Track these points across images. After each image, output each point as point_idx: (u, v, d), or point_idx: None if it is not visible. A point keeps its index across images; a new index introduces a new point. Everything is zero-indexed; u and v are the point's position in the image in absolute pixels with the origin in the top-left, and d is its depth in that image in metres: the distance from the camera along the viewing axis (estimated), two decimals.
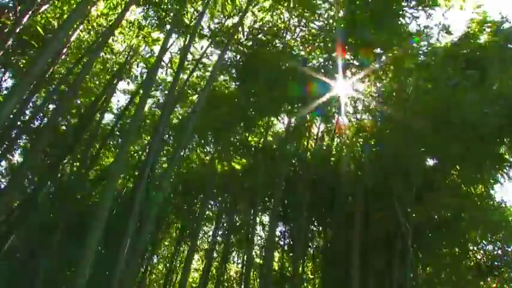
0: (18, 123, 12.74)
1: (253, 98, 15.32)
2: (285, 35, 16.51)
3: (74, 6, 13.21)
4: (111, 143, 17.95)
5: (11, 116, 11.22)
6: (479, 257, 15.11)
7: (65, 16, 13.41)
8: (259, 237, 21.26)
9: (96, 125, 15.79)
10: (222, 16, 15.81)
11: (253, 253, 19.69)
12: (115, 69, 15.87)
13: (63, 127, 16.16)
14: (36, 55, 10.33)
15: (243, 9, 14.61)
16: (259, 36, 16.39)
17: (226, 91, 17.08)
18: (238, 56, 16.05)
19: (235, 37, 14.84)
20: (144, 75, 16.37)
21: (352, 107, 15.37)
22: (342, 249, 15.90)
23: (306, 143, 18.09)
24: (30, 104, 13.22)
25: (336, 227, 17.63)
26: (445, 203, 13.31)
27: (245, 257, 19.99)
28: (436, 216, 14.44)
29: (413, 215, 12.97)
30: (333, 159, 17.84)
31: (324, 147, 18.49)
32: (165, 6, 14.20)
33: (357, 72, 13.67)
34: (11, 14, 11.31)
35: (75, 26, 11.86)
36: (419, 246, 14.56)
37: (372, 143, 14.66)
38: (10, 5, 11.59)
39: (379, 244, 14.55)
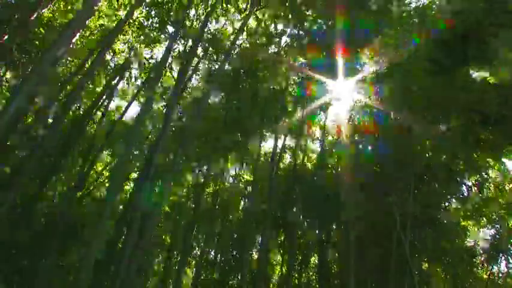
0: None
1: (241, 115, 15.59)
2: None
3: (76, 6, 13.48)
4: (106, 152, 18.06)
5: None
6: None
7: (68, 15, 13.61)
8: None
9: (94, 128, 15.91)
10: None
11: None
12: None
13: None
14: (42, 53, 10.42)
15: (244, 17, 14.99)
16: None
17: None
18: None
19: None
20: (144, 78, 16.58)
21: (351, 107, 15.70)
22: (338, 247, 16.15)
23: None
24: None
25: (332, 227, 17.83)
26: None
27: None
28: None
29: (411, 208, 13.19)
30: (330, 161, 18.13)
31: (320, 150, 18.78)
32: (167, 7, 14.42)
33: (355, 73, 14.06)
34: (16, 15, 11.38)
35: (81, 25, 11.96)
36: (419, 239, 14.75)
37: (371, 141, 14.89)
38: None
39: (376, 242, 14.70)
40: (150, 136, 18.14)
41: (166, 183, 13.66)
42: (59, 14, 13.34)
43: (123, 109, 17.24)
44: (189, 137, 13.51)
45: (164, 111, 16.10)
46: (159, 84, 17.22)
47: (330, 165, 17.40)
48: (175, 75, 16.78)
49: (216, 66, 16.84)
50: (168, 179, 13.43)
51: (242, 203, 20.91)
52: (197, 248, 20.33)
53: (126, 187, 18.40)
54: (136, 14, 14.62)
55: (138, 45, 15.81)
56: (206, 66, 17.57)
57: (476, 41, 12.10)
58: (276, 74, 16.19)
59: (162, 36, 16.24)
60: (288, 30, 17.12)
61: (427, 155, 14.03)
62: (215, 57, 16.99)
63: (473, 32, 12.20)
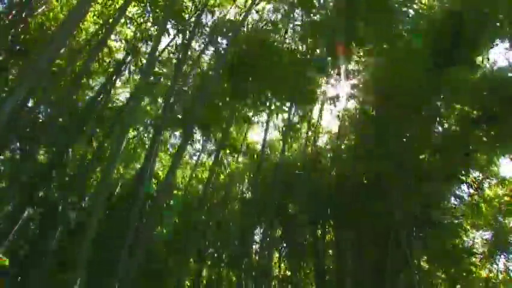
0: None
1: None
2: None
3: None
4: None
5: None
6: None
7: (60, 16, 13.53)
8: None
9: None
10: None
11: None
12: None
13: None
14: (40, 51, 10.33)
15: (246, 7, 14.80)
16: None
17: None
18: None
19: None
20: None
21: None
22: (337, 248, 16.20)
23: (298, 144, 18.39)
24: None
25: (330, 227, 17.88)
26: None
27: None
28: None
29: (409, 207, 13.21)
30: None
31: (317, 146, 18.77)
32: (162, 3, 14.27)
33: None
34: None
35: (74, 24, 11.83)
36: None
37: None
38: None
39: (374, 242, 14.70)
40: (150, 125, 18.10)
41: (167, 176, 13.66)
42: (52, 15, 13.24)
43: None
44: (190, 125, 13.44)
45: (163, 100, 15.99)
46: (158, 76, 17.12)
47: (327, 163, 17.34)
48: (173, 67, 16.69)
49: (216, 58, 16.75)
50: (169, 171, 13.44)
51: (243, 194, 20.95)
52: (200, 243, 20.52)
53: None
54: (133, 10, 14.49)
55: (134, 41, 15.65)
56: (206, 58, 17.48)
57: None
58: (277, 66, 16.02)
59: (158, 30, 16.03)
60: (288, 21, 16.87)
61: (424, 154, 14.10)
62: (215, 48, 16.85)
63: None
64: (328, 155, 17.58)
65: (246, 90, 15.56)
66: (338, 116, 16.45)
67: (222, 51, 15.26)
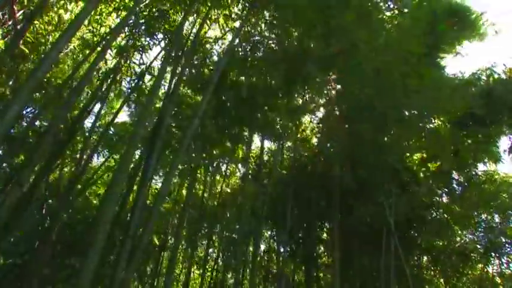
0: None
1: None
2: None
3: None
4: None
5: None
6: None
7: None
8: None
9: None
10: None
11: None
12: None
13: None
14: (38, 60, 10.49)
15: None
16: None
17: None
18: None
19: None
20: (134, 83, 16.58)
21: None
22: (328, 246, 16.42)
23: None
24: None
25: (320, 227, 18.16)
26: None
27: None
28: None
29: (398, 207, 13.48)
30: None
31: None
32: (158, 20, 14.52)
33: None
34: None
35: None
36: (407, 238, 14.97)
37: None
38: None
39: (363, 241, 14.94)
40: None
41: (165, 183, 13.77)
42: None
43: (114, 112, 17.30)
44: (185, 138, 13.61)
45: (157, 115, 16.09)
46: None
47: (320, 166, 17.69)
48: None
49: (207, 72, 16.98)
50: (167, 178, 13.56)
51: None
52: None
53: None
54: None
55: (128, 51, 15.79)
56: (196, 72, 17.60)
57: None
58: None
59: (151, 42, 16.28)
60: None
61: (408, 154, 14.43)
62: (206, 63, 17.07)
63: None
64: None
65: None
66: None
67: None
